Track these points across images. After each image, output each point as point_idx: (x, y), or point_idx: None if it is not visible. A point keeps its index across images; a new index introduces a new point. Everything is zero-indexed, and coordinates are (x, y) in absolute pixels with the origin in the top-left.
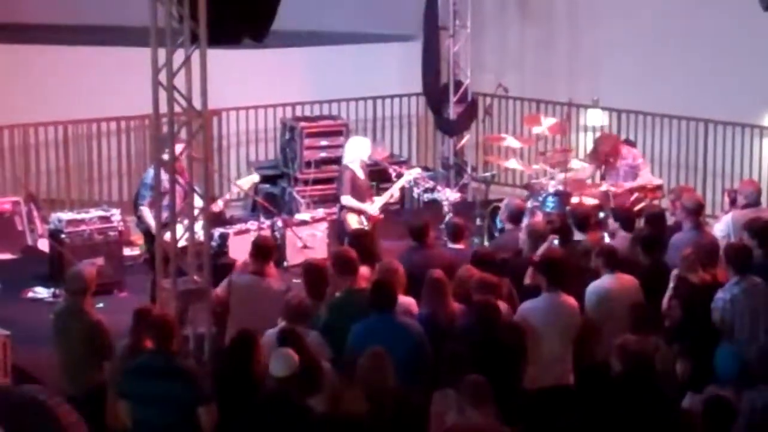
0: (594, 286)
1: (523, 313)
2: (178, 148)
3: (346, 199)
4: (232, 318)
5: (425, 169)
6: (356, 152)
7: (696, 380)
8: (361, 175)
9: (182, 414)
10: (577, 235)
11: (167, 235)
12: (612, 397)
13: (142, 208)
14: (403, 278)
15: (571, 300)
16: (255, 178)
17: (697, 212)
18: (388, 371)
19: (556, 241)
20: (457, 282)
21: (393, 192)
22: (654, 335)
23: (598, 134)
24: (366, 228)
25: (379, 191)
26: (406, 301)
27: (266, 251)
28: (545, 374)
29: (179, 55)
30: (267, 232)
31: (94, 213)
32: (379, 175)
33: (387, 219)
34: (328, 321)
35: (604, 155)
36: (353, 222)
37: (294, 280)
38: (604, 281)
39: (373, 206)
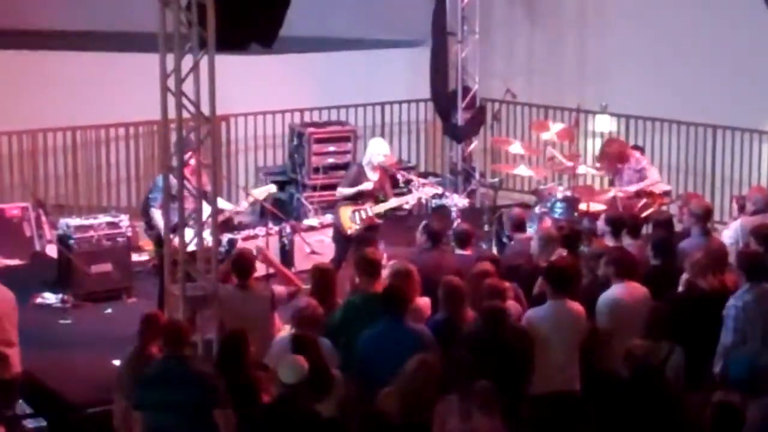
0: (605, 297)
1: (528, 320)
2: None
3: (340, 190)
4: (223, 328)
5: (434, 175)
6: (369, 153)
7: (693, 382)
8: (371, 176)
9: (199, 419)
10: (609, 241)
11: (176, 241)
12: (620, 403)
13: (153, 210)
14: (417, 281)
15: (577, 306)
16: (272, 188)
17: (705, 218)
18: (433, 381)
19: (564, 253)
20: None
21: (393, 204)
22: (666, 340)
23: (606, 140)
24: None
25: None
26: (421, 302)
27: (245, 268)
28: (551, 380)
29: (188, 61)
30: (275, 238)
31: (103, 219)
32: (390, 181)
33: (395, 225)
34: (341, 322)
35: (613, 159)
36: (345, 216)
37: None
38: (615, 291)
39: (372, 209)
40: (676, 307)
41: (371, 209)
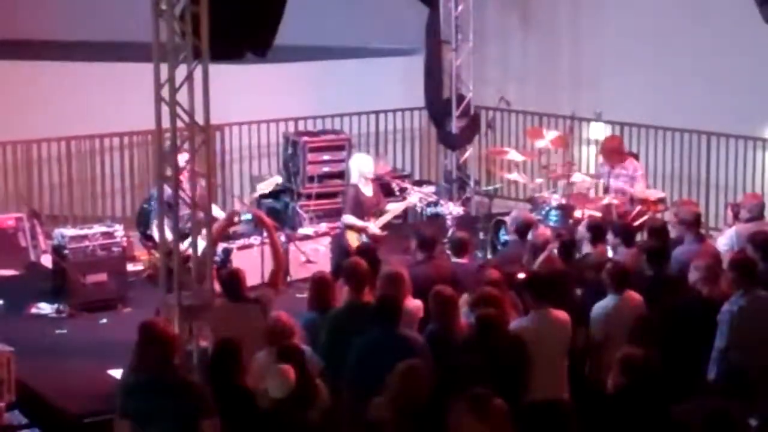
0: (599, 307)
1: (512, 331)
2: (181, 162)
3: (347, 218)
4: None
5: (429, 183)
6: (357, 169)
7: (683, 389)
8: (367, 191)
9: (185, 429)
10: (586, 247)
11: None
12: (614, 412)
13: (154, 223)
14: (408, 284)
15: (561, 314)
16: (277, 179)
17: (695, 224)
18: (423, 386)
19: (555, 250)
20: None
21: (394, 212)
22: (653, 348)
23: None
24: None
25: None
26: (411, 305)
27: (236, 289)
28: (539, 389)
29: (182, 71)
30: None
31: (98, 229)
32: (382, 190)
33: (390, 234)
34: (329, 333)
35: (613, 151)
36: (353, 239)
37: (297, 295)
38: (609, 302)
39: (374, 225)
40: (676, 314)
41: (375, 225)
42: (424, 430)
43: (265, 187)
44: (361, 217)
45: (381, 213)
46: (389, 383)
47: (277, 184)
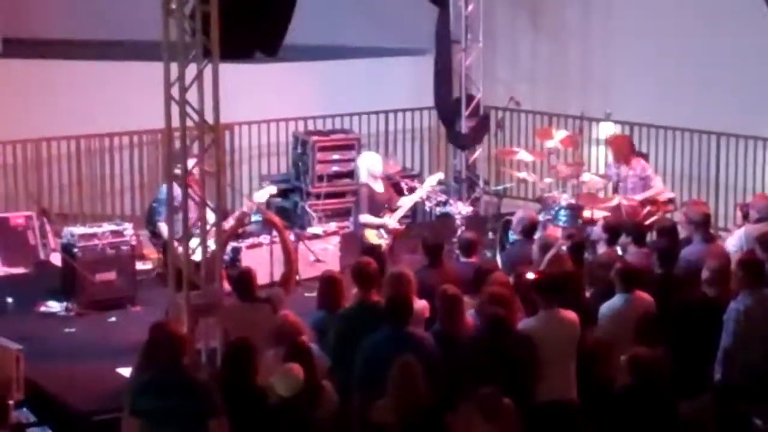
0: (606, 307)
1: (522, 332)
2: (191, 162)
3: (364, 217)
4: (227, 337)
5: (438, 182)
6: (366, 168)
7: (690, 388)
8: (379, 188)
9: (194, 428)
10: (602, 248)
11: (180, 250)
12: (622, 410)
13: (159, 224)
14: (414, 284)
15: (570, 314)
16: (272, 189)
17: (703, 224)
18: (419, 382)
19: (564, 247)
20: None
21: (408, 205)
22: (659, 346)
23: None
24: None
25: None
26: (419, 305)
27: (247, 288)
28: (548, 389)
29: (191, 70)
30: (279, 246)
31: (107, 227)
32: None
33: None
34: (338, 333)
35: (622, 148)
36: (372, 237)
37: (306, 294)
38: (617, 302)
39: (392, 219)
40: (683, 313)
41: (391, 221)
42: (428, 429)
43: (260, 197)
44: (375, 214)
45: (394, 209)
46: (388, 383)
47: (271, 195)
